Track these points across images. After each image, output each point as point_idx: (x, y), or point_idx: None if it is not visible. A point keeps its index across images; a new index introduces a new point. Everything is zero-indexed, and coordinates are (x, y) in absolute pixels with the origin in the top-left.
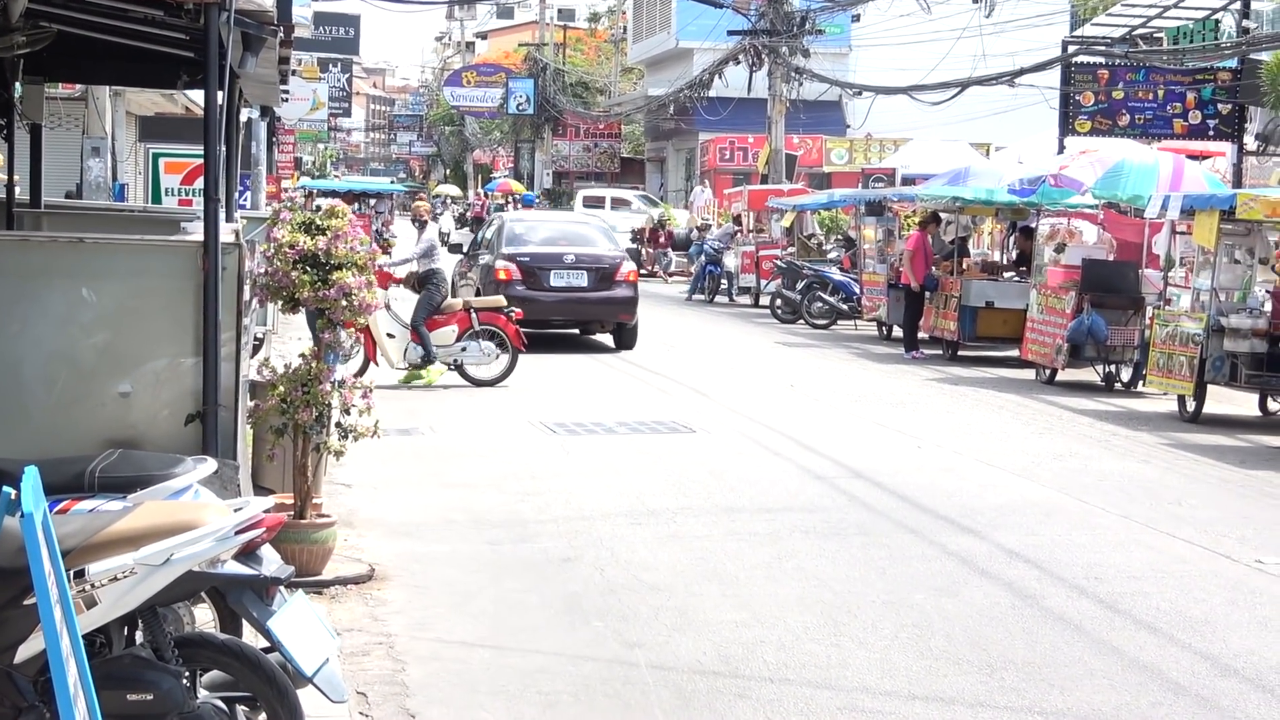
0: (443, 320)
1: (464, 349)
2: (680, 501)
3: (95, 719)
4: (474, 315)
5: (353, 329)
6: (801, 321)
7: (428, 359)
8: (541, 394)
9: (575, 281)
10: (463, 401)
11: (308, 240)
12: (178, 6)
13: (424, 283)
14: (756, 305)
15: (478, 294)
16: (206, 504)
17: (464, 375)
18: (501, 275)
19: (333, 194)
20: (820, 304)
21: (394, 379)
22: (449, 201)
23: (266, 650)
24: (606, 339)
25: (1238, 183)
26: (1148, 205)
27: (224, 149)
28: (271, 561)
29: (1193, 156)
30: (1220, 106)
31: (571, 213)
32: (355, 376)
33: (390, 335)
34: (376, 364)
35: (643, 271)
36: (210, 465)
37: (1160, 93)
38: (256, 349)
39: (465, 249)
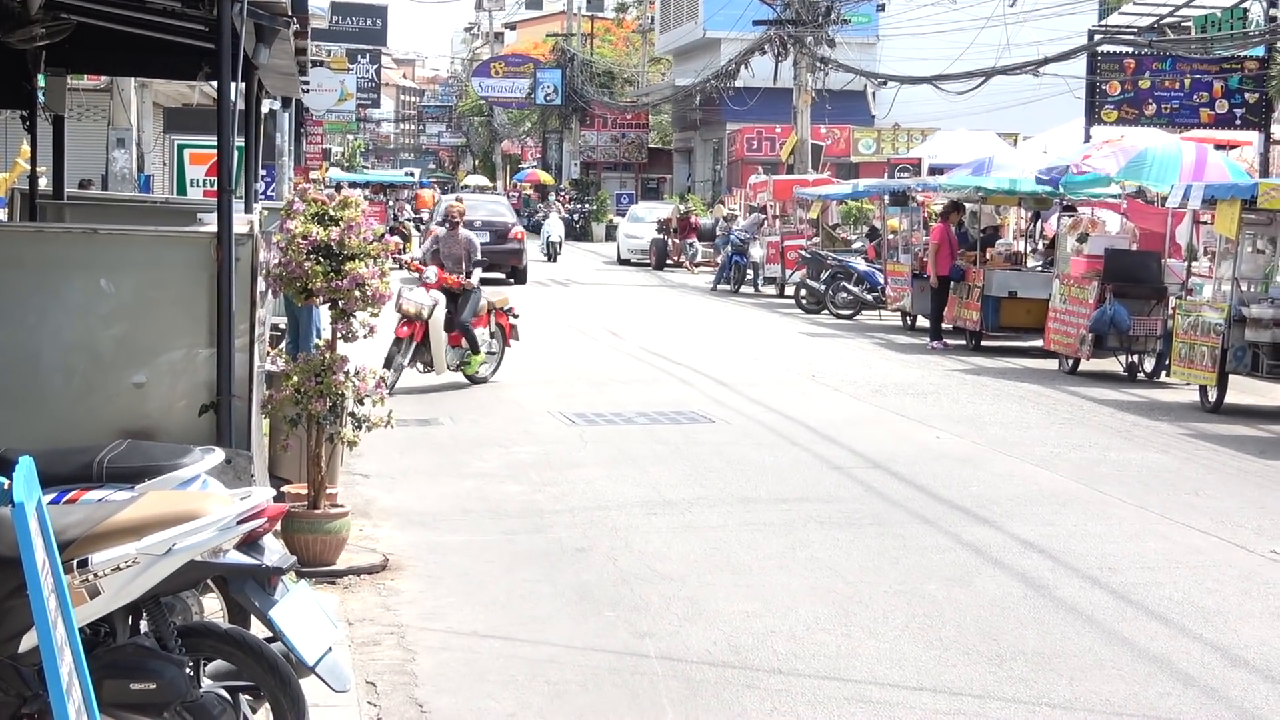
0: (476, 322)
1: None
2: (696, 491)
3: (91, 709)
4: (493, 315)
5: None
6: (826, 312)
7: (474, 350)
8: (562, 384)
9: (481, 238)
10: (483, 392)
11: (321, 231)
12: None
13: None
14: (781, 295)
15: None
16: (209, 494)
17: (467, 375)
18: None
19: (353, 185)
20: (845, 294)
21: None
22: (555, 202)
23: (269, 640)
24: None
25: (1265, 172)
26: (1169, 195)
27: (243, 140)
28: (274, 551)
29: (1220, 146)
30: (1247, 96)
31: (493, 195)
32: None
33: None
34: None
35: (670, 262)
36: (218, 455)
37: (1187, 82)
38: (278, 340)
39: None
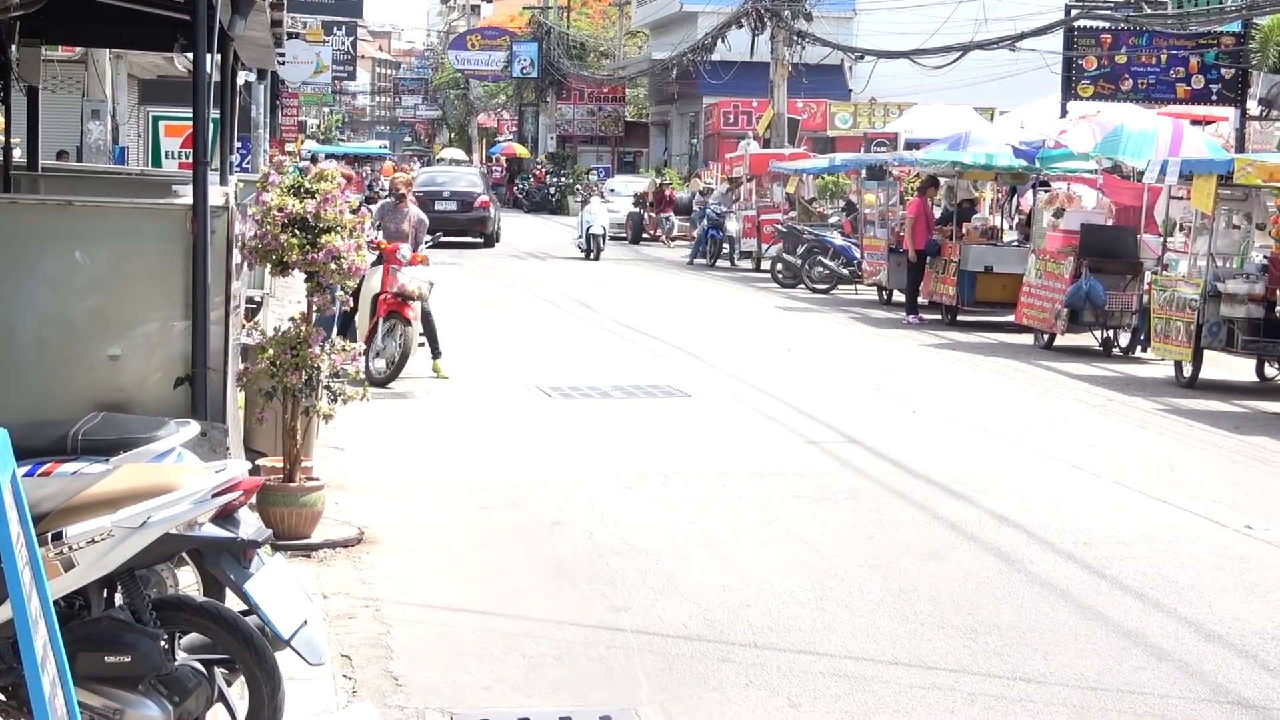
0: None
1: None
2: (672, 466)
3: (66, 684)
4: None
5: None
6: (802, 286)
7: (434, 341)
8: (538, 358)
9: (449, 206)
10: (458, 365)
11: (296, 203)
12: None
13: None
14: (758, 270)
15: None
16: (184, 467)
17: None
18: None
19: (331, 157)
20: (821, 268)
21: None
22: (596, 184)
23: (245, 613)
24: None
25: (1240, 148)
26: (1145, 170)
27: (218, 112)
28: (249, 524)
29: (1196, 122)
30: (1223, 71)
31: (467, 167)
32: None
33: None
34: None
35: (645, 236)
36: (193, 428)
37: (1163, 57)
38: (253, 313)
39: None
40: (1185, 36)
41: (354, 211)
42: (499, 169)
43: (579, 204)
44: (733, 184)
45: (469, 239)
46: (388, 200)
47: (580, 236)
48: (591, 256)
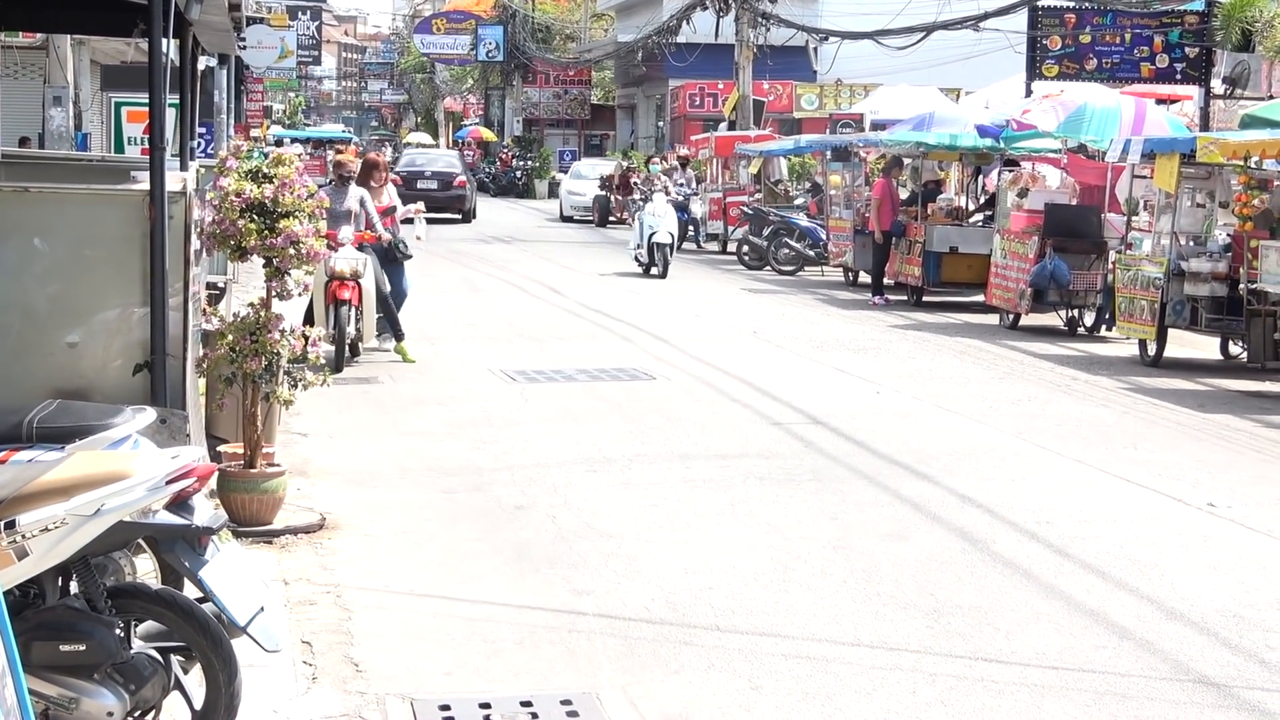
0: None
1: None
2: (636, 448)
3: (16, 673)
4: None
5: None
6: (768, 268)
7: (394, 322)
8: (502, 341)
9: (430, 185)
10: (422, 350)
11: (254, 188)
12: None
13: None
14: (724, 252)
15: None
16: (138, 454)
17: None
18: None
19: (295, 141)
20: (786, 250)
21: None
22: (660, 175)
23: (201, 600)
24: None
25: (1205, 126)
26: (1109, 149)
27: (177, 97)
28: (204, 511)
29: (1160, 101)
30: (1187, 50)
31: (446, 150)
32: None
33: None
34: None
35: (612, 219)
36: (150, 415)
37: (1127, 36)
38: (216, 299)
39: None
40: (1149, 15)
41: (311, 196)
42: (470, 152)
43: (638, 204)
44: (682, 162)
45: (448, 215)
46: (327, 185)
47: (639, 245)
48: (655, 272)
